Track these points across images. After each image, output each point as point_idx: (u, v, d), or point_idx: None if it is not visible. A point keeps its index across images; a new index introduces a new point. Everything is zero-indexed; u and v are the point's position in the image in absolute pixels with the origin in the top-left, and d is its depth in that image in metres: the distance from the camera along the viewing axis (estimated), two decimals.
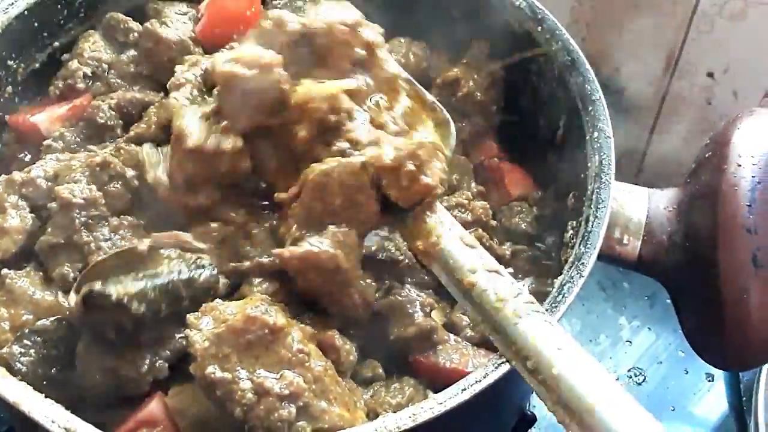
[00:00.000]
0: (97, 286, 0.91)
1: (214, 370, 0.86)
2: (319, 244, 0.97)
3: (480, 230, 1.13)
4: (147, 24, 1.23)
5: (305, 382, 0.87)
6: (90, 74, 1.21)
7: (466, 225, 1.12)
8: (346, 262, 0.97)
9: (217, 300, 0.93)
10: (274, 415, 0.85)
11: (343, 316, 1.01)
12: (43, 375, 0.94)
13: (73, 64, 1.21)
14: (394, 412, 0.91)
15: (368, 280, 1.02)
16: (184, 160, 0.98)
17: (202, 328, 0.88)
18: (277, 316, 0.89)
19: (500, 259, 1.12)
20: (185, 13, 1.26)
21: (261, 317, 0.88)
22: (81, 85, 1.20)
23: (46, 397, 0.84)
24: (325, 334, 0.97)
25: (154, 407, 0.91)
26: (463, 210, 1.14)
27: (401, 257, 1.06)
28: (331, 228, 0.97)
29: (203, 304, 0.92)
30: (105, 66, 1.22)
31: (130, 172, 1.08)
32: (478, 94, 1.25)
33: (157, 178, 1.04)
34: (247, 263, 1.01)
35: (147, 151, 1.08)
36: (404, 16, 1.33)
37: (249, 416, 0.85)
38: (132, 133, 1.14)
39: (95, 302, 0.91)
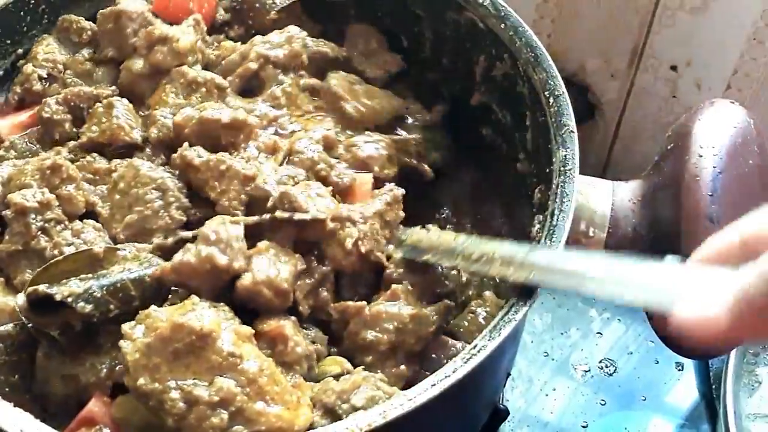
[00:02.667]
0: (42, 287, 0.91)
1: (144, 382, 0.85)
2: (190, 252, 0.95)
3: None
4: (102, 10, 1.22)
5: (238, 385, 0.86)
6: (46, 76, 1.20)
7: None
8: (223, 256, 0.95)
9: (153, 306, 0.91)
10: (205, 423, 0.84)
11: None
12: (4, 381, 0.93)
13: (28, 68, 1.20)
14: (338, 398, 0.91)
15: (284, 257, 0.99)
16: None
17: (135, 338, 0.87)
18: (204, 321, 0.87)
19: None
20: None
21: (187, 324, 0.86)
22: (38, 87, 1.19)
23: (14, 406, 0.83)
24: (277, 324, 0.95)
25: (91, 406, 0.90)
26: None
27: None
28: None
29: (140, 311, 0.91)
30: (60, 66, 1.21)
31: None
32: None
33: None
34: (170, 239, 1.00)
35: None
36: (364, 12, 1.34)
37: (182, 425, 0.84)
38: (84, 139, 1.13)
39: (43, 302, 0.91)
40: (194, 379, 0.85)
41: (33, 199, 1.02)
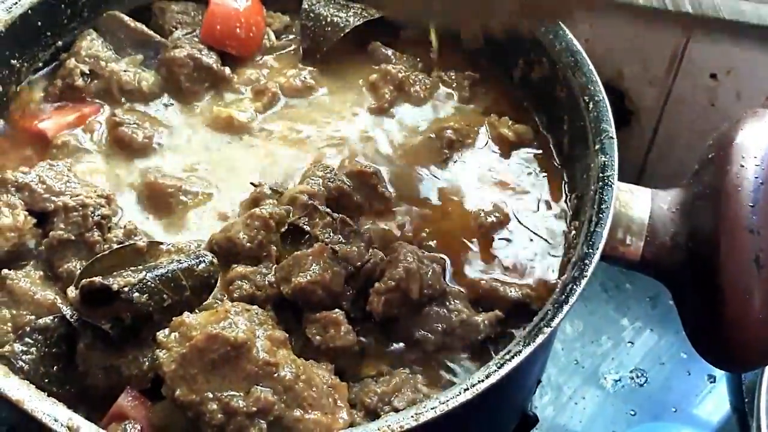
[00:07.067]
0: (98, 279, 0.91)
1: (181, 393, 0.85)
2: None
3: None
4: (171, 54, 1.23)
5: (275, 394, 0.86)
6: (88, 72, 1.21)
7: None
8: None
9: (186, 313, 0.91)
10: None
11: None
12: (44, 373, 0.93)
13: (71, 62, 1.21)
14: (380, 400, 0.92)
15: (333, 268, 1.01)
16: None
17: (171, 347, 0.87)
18: (238, 331, 0.87)
19: None
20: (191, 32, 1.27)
21: (221, 334, 0.86)
22: (80, 82, 1.20)
23: (48, 395, 0.84)
24: (331, 311, 0.97)
25: (121, 400, 0.90)
26: None
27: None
28: None
29: (173, 318, 0.91)
30: (103, 63, 1.22)
31: None
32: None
33: None
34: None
35: None
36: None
37: None
38: None
39: (95, 295, 0.91)
40: (231, 389, 0.85)
41: (94, 193, 1.05)
